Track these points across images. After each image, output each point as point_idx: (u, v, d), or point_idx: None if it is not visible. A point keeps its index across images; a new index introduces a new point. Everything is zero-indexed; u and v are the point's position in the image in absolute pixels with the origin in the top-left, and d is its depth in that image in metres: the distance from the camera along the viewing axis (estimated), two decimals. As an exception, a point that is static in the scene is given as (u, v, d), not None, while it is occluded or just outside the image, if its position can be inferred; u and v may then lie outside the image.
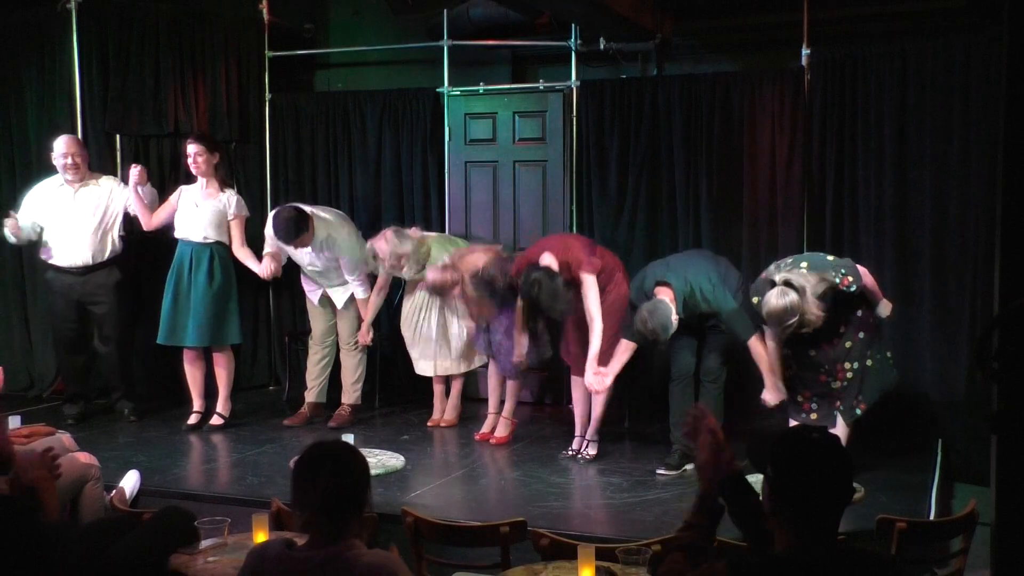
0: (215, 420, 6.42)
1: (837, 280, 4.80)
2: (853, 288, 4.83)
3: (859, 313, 4.95)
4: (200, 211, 6.31)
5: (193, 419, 6.41)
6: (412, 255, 6.12)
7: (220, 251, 6.33)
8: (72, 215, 6.37)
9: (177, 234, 6.36)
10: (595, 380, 5.42)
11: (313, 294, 6.48)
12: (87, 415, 6.58)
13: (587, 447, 5.66)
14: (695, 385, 5.42)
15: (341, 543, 2.54)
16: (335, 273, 6.34)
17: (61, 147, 6.34)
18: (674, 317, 5.14)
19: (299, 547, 2.59)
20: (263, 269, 6.27)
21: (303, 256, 6.25)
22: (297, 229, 5.98)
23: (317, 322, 6.54)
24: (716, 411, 5.25)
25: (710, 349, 5.39)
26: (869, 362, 4.97)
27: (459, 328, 6.27)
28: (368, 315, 6.37)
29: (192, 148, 6.30)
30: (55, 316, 6.62)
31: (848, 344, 4.94)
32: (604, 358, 5.44)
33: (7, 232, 6.36)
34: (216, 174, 6.39)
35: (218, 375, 6.45)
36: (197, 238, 6.29)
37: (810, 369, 5.01)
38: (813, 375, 5.01)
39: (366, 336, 6.38)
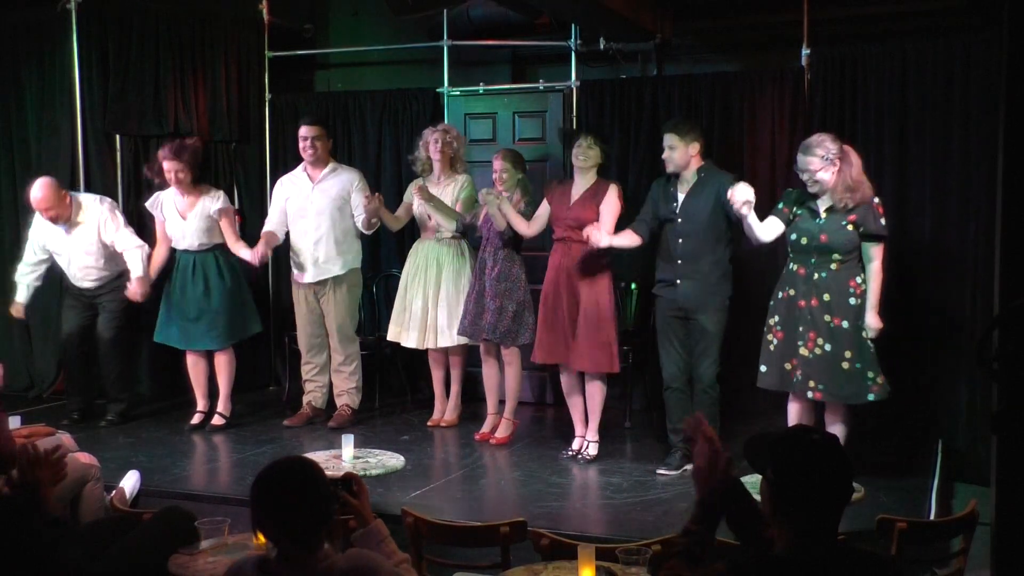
0: (216, 420, 6.42)
1: (877, 200, 4.89)
2: (882, 225, 4.88)
3: (852, 301, 4.84)
4: (188, 222, 6.30)
5: (196, 419, 6.42)
6: (457, 145, 6.26)
7: (221, 253, 6.37)
8: (71, 250, 6.36)
9: (176, 246, 6.40)
10: (592, 231, 5.28)
11: (301, 277, 6.40)
12: (88, 415, 6.57)
13: (587, 447, 5.65)
14: (689, 390, 5.36)
15: (315, 554, 2.54)
16: (332, 232, 6.29)
17: (35, 203, 6.20)
18: None
19: (273, 565, 2.58)
20: (254, 254, 6.24)
21: (306, 205, 6.29)
22: (323, 120, 6.49)
23: (304, 323, 6.49)
24: (711, 417, 5.18)
25: (699, 356, 5.31)
26: (845, 364, 4.83)
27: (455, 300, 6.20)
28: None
29: (172, 165, 6.17)
30: (64, 312, 6.61)
31: (827, 318, 4.83)
32: (601, 353, 5.49)
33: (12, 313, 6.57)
34: (194, 184, 6.31)
35: (219, 375, 6.46)
36: (194, 247, 6.32)
37: (793, 331, 4.90)
38: (793, 339, 4.90)
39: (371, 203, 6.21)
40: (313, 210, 6.32)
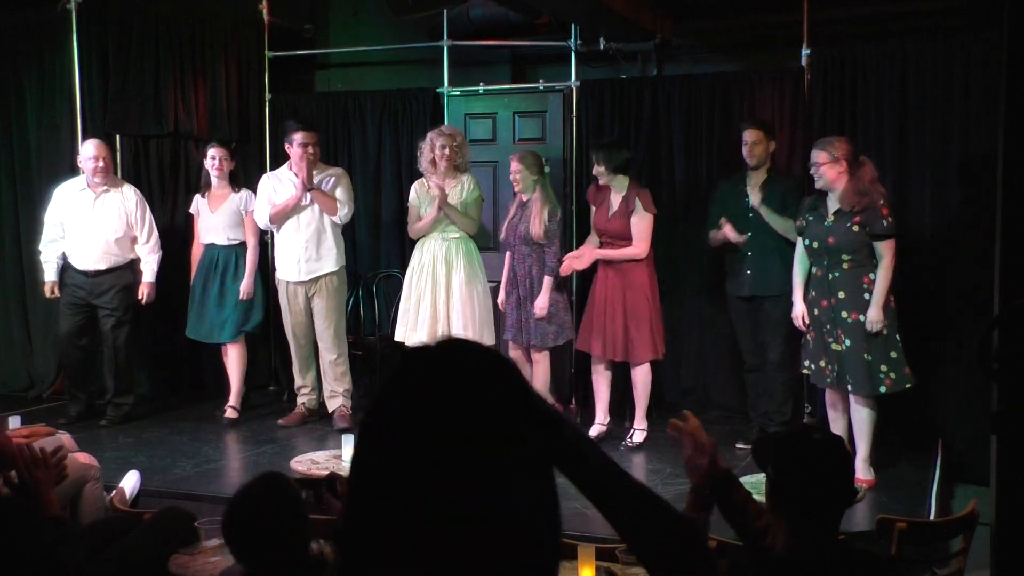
0: (230, 414, 6.55)
1: (882, 201, 5.04)
2: (887, 224, 5.01)
3: (866, 297, 5.05)
4: (217, 216, 6.53)
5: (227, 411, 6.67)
6: (461, 149, 6.28)
7: (243, 251, 6.56)
8: (89, 220, 6.40)
9: (202, 240, 6.62)
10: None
11: (290, 276, 6.36)
12: (86, 415, 6.56)
13: (633, 435, 5.93)
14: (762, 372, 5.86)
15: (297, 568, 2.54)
16: (321, 230, 6.32)
17: (91, 150, 6.41)
18: None
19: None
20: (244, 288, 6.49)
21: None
22: (315, 123, 6.67)
23: (292, 323, 6.45)
24: (784, 399, 5.81)
25: (770, 341, 5.76)
26: (867, 356, 5.03)
27: (479, 297, 6.21)
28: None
29: (216, 152, 6.53)
30: (61, 311, 6.61)
31: (844, 315, 5.06)
32: (648, 343, 5.87)
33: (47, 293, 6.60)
34: (231, 178, 6.63)
35: (230, 370, 6.61)
36: (220, 241, 6.54)
37: (821, 330, 5.20)
38: (822, 337, 5.20)
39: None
40: (300, 209, 6.34)
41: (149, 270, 6.52)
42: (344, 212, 6.35)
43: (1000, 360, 2.12)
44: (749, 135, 5.78)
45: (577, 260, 5.99)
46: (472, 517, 1.10)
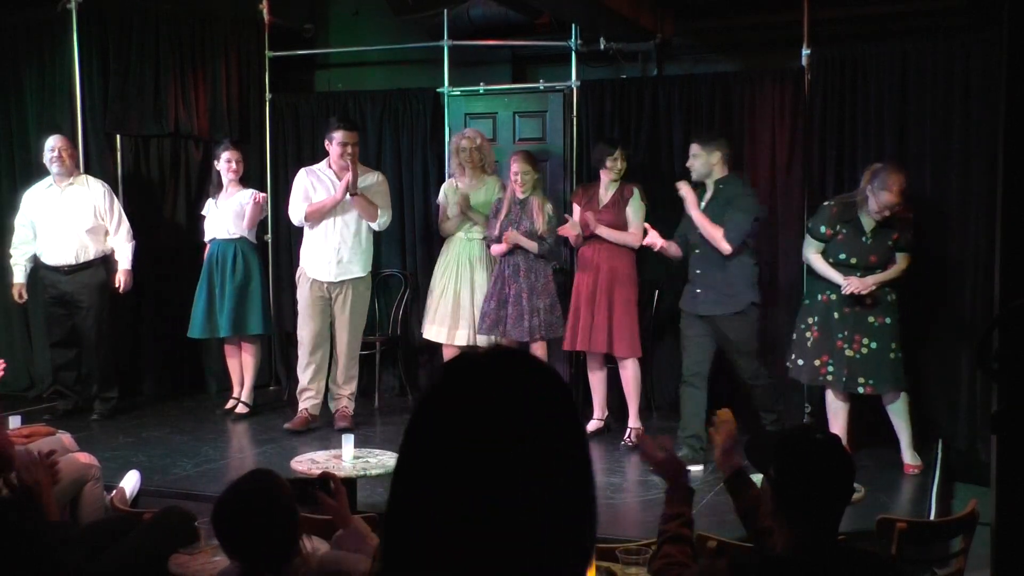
0: (240, 409, 6.64)
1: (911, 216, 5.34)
2: (911, 238, 5.30)
3: (888, 299, 5.27)
4: (221, 210, 6.61)
5: (229, 404, 6.73)
6: (482, 151, 6.41)
7: (243, 246, 6.61)
8: (57, 214, 6.46)
9: (206, 236, 6.68)
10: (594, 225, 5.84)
11: (318, 274, 6.29)
12: (75, 412, 6.59)
13: (630, 434, 5.90)
14: (702, 388, 5.54)
15: (289, 564, 2.53)
16: (358, 233, 6.31)
17: (50, 143, 6.49)
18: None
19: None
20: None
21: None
22: (357, 125, 6.52)
23: (310, 320, 6.35)
24: (765, 405, 5.63)
25: (738, 355, 5.57)
26: (892, 355, 5.23)
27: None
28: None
29: (232, 155, 6.63)
30: (45, 311, 6.72)
31: (871, 319, 5.22)
32: (633, 339, 5.89)
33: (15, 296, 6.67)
34: (240, 180, 6.71)
35: (244, 365, 6.68)
36: (221, 234, 6.59)
37: (829, 333, 5.26)
38: (831, 339, 5.25)
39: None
40: (341, 210, 6.29)
41: (124, 258, 6.57)
42: (383, 219, 6.36)
43: (1000, 360, 2.12)
44: (690, 148, 5.65)
45: (573, 225, 5.90)
46: (510, 520, 1.12)
